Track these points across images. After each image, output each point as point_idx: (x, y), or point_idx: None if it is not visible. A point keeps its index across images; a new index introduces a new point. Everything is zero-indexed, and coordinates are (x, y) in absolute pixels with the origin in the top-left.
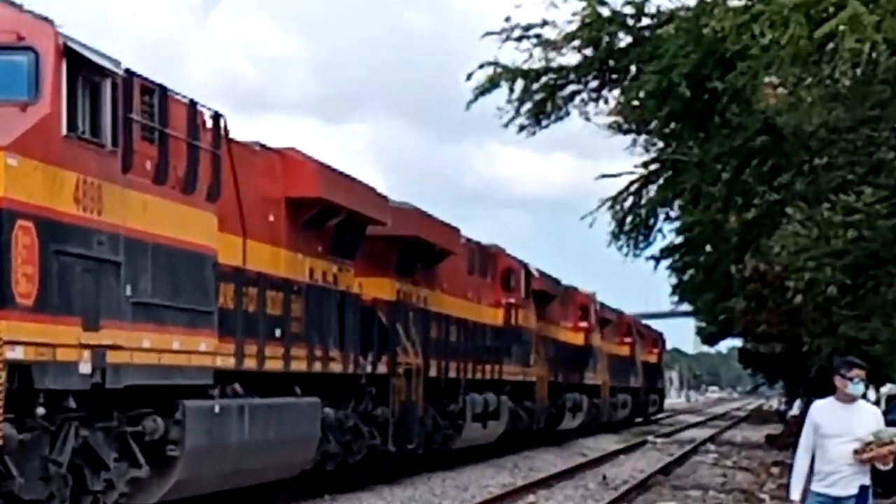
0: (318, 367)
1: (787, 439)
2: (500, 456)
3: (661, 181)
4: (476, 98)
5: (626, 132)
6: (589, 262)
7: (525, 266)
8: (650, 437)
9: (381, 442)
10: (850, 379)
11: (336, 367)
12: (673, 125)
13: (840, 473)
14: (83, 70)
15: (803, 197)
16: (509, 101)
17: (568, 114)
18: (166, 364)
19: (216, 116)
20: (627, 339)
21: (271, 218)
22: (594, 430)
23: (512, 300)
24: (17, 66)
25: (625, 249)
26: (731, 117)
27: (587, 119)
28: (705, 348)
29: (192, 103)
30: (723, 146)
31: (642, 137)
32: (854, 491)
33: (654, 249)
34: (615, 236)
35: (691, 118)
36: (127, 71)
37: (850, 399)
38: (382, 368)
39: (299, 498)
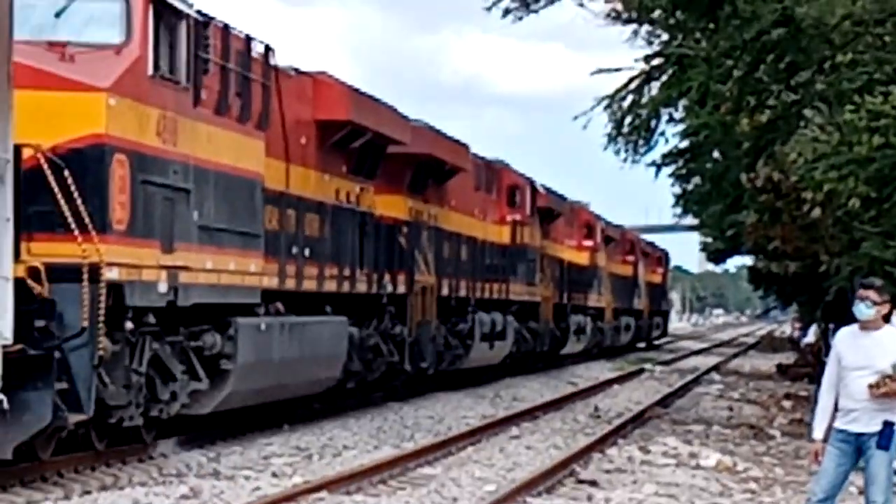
0: (346, 287)
1: (801, 369)
2: (479, 385)
3: (664, 78)
4: None
5: (625, 21)
6: (582, 168)
7: (531, 182)
8: (648, 366)
9: (399, 360)
10: (860, 299)
11: (362, 287)
12: (679, 14)
13: (862, 409)
14: (165, 14)
15: (824, 98)
16: None
17: None
18: (224, 283)
19: (266, 49)
20: (630, 258)
21: (303, 140)
22: (596, 356)
23: (517, 217)
24: (111, 12)
25: (623, 154)
26: (744, 6)
27: (581, 4)
28: (711, 267)
29: (248, 38)
30: (734, 39)
31: (644, 28)
32: (877, 427)
33: (656, 155)
34: (612, 139)
35: (699, 7)
36: (198, 12)
37: (874, 326)
38: (401, 288)
39: (317, 417)
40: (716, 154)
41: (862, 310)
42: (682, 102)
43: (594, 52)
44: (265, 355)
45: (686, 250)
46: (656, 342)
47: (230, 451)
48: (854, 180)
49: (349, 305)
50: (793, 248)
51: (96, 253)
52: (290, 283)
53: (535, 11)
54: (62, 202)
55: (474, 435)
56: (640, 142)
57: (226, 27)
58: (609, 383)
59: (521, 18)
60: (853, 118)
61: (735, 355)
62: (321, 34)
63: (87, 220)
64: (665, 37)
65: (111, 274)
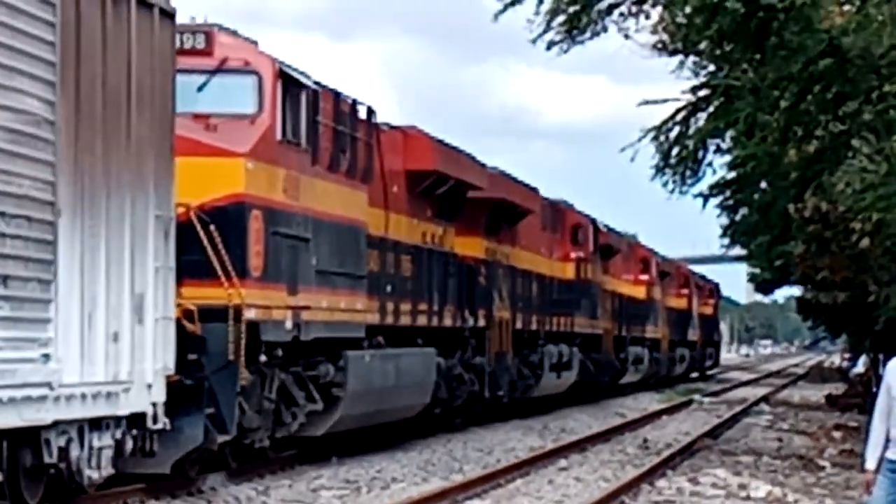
0: (434, 321)
1: (851, 400)
2: (527, 416)
3: (711, 109)
4: (505, 8)
5: (671, 53)
6: (629, 200)
7: (593, 221)
8: (696, 397)
9: (479, 389)
10: None
11: (447, 322)
12: (725, 46)
13: None
14: (290, 86)
15: (871, 128)
16: (538, 14)
17: (605, 30)
18: (336, 320)
19: (369, 111)
20: (685, 291)
21: (395, 189)
22: (653, 385)
23: (581, 254)
24: (246, 86)
25: (670, 185)
26: (791, 38)
27: (626, 36)
28: (759, 297)
29: (354, 102)
30: (781, 70)
31: (690, 59)
32: None
33: (703, 186)
34: (659, 170)
35: (746, 38)
36: (315, 83)
37: None
38: (482, 322)
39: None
40: (763, 185)
41: None
42: (730, 133)
43: (639, 84)
44: (369, 383)
45: (734, 281)
46: (708, 372)
47: (279, 484)
48: None
49: (436, 338)
50: (841, 278)
51: (239, 296)
52: (389, 319)
53: (581, 43)
54: (210, 253)
55: (523, 467)
56: (688, 173)
57: (336, 94)
58: (658, 414)
59: (566, 51)
60: None
61: (784, 386)
62: (365, 67)
63: (230, 268)
64: (711, 68)
65: (250, 314)
